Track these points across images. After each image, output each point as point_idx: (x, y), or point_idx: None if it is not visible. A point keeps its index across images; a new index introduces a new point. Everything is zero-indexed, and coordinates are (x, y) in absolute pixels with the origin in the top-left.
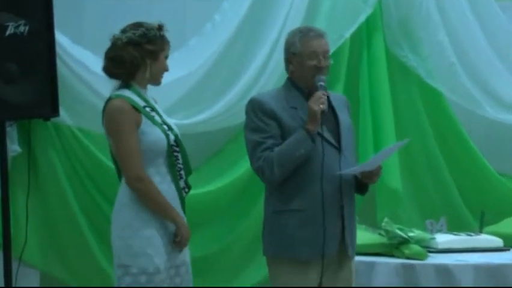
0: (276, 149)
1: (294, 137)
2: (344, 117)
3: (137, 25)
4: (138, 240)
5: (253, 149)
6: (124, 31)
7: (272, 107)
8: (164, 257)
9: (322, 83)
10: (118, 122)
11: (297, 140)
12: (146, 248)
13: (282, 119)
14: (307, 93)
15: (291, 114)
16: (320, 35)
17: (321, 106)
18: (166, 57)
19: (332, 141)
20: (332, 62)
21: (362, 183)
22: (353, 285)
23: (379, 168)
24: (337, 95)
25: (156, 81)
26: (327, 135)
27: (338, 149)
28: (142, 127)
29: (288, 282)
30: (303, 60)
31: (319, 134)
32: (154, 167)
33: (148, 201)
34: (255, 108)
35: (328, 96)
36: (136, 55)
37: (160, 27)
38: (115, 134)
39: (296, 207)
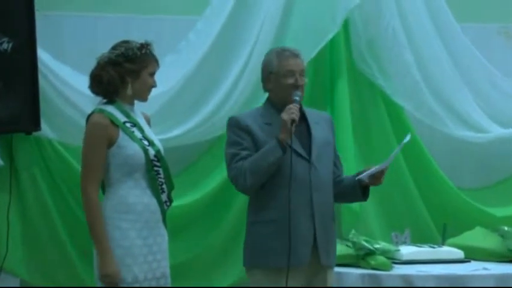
0: (249, 158)
1: (266, 146)
2: (320, 132)
3: (120, 44)
4: (117, 251)
5: (230, 161)
6: (109, 50)
7: (247, 123)
8: (144, 266)
9: (297, 98)
10: (88, 135)
11: (267, 148)
12: (125, 258)
13: (256, 135)
14: (283, 109)
15: (265, 130)
16: (296, 55)
17: (291, 116)
18: (152, 74)
19: (302, 153)
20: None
21: (364, 188)
22: None
23: (385, 170)
24: (320, 113)
25: (141, 98)
26: (297, 147)
27: (308, 160)
28: (119, 141)
29: None
30: (280, 79)
31: (289, 146)
32: (133, 181)
33: (86, 214)
34: (232, 125)
35: (303, 112)
36: (114, 75)
37: (143, 46)
38: (83, 146)
39: (267, 217)
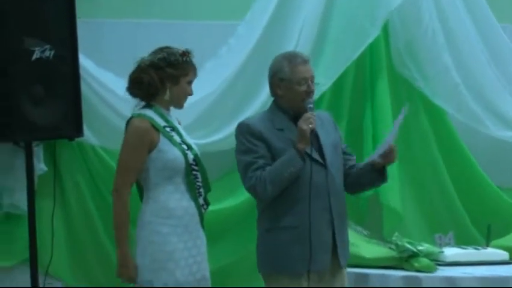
0: (268, 168)
1: (285, 156)
2: (326, 135)
3: (162, 49)
4: (160, 256)
5: (245, 169)
6: (150, 54)
7: (260, 129)
8: (185, 270)
9: (311, 105)
10: (129, 138)
11: (287, 158)
12: (168, 262)
13: (269, 141)
14: (293, 115)
15: (278, 136)
16: (306, 61)
17: (310, 126)
18: (190, 82)
19: (319, 159)
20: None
21: (380, 170)
22: None
23: (392, 146)
24: (321, 113)
25: (177, 105)
26: (314, 154)
27: (324, 166)
28: (160, 146)
29: None
30: (293, 86)
31: (306, 153)
32: (173, 185)
33: (114, 214)
34: (244, 131)
35: None
36: (155, 78)
37: (184, 54)
38: (122, 148)
39: (287, 224)
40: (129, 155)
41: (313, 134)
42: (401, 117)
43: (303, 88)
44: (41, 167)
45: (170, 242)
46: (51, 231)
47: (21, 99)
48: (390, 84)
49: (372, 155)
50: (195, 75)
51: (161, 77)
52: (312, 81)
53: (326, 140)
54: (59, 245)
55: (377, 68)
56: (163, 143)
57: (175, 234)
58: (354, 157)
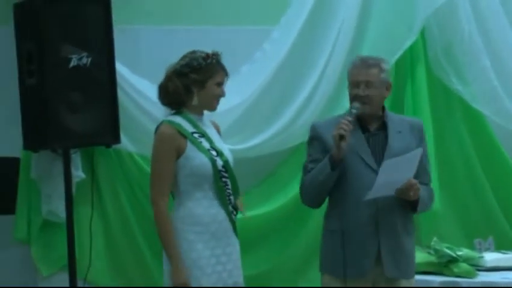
0: (308, 173)
1: (320, 163)
2: (399, 142)
3: (186, 55)
4: (186, 263)
5: (302, 173)
6: (177, 61)
7: (321, 130)
8: (213, 277)
9: (354, 110)
10: (156, 146)
11: (321, 165)
12: (193, 270)
13: (328, 144)
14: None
15: None
16: (368, 65)
17: (340, 131)
18: (219, 84)
19: (373, 165)
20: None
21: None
22: None
23: (409, 183)
24: (408, 120)
25: (209, 107)
26: (368, 158)
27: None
28: (187, 152)
29: None
30: (350, 88)
31: (360, 157)
32: (201, 192)
33: (156, 225)
34: (310, 132)
35: (385, 121)
36: (179, 85)
37: (208, 56)
38: (151, 157)
39: (331, 227)
40: (158, 163)
41: (385, 138)
42: (417, 155)
43: (353, 91)
44: (78, 174)
45: (195, 249)
46: (90, 238)
47: (59, 106)
48: (430, 88)
49: (377, 187)
50: (224, 76)
51: (186, 84)
52: (369, 87)
53: (395, 145)
54: (98, 252)
55: (417, 75)
56: (190, 149)
57: (200, 241)
58: (425, 178)
